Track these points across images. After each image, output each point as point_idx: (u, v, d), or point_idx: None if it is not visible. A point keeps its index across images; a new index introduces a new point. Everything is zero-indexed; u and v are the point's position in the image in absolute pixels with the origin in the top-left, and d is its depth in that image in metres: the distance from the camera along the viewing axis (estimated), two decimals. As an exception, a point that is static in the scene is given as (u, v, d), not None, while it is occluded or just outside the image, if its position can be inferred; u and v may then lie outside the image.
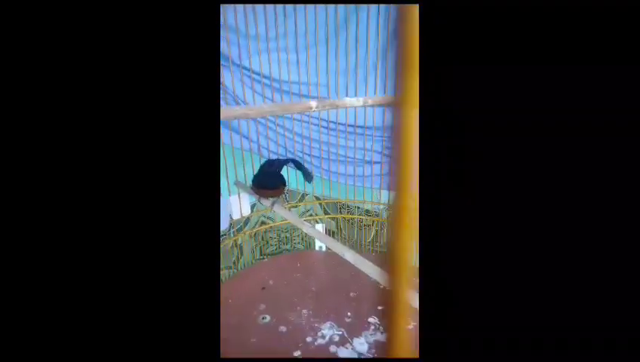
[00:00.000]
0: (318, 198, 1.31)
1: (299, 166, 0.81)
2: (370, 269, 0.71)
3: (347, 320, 0.89)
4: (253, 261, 1.28)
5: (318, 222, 1.29)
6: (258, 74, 1.05)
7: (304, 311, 0.88)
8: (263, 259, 1.26)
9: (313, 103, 0.64)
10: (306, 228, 0.84)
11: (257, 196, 0.90)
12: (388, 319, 0.18)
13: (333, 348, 0.79)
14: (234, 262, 1.27)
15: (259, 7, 0.93)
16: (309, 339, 0.79)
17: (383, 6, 1.02)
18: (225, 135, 1.05)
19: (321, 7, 1.05)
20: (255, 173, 0.88)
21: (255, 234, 1.22)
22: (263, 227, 1.24)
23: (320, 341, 0.79)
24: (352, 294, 1.01)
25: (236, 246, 1.21)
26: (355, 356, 0.81)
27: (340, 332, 0.84)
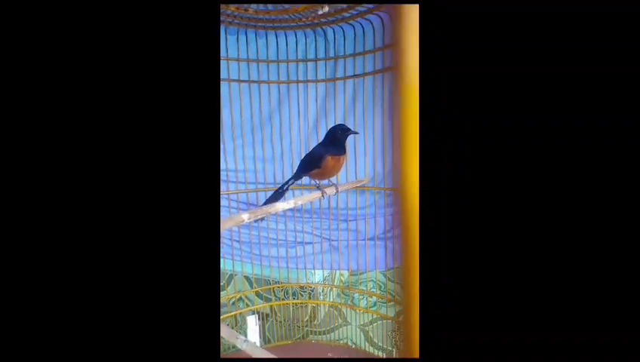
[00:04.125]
0: (247, 278, 1.26)
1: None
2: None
3: None
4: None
5: (251, 314, 1.30)
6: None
7: None
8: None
9: (245, 216, 0.67)
10: (240, 344, 0.88)
11: (323, 176, 0.87)
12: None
13: None
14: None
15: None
16: None
17: (320, 84, 1.14)
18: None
19: (254, 94, 1.09)
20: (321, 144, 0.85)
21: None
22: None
23: None
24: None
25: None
26: None
27: None
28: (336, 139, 0.89)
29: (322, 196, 0.94)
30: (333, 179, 1.02)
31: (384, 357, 1.25)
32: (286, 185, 0.94)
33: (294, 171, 0.98)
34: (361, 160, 1.24)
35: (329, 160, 0.89)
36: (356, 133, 0.90)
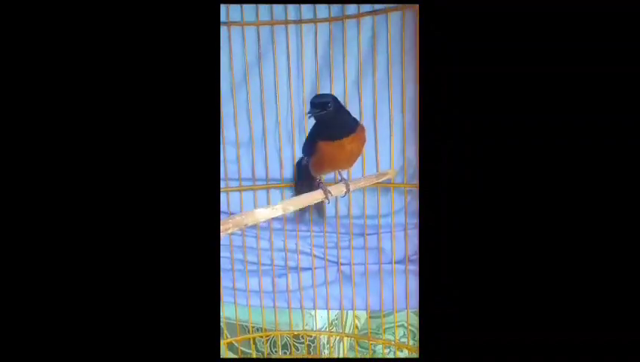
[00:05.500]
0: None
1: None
2: None
3: None
4: None
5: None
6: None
7: None
8: None
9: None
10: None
11: (321, 167, 0.73)
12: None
13: None
14: None
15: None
16: None
17: (321, 25, 0.94)
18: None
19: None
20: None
21: None
22: None
23: None
24: None
25: None
26: None
27: None
28: (328, 117, 0.69)
29: (326, 198, 0.73)
30: (343, 173, 0.82)
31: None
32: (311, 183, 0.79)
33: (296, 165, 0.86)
34: (384, 143, 0.97)
35: (321, 147, 0.70)
36: (322, 109, 0.67)
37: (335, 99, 0.68)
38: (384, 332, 1.12)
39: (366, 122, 1.00)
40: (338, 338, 1.17)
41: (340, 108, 0.68)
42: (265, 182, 1.02)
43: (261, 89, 0.99)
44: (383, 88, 0.92)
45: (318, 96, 0.69)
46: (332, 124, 0.67)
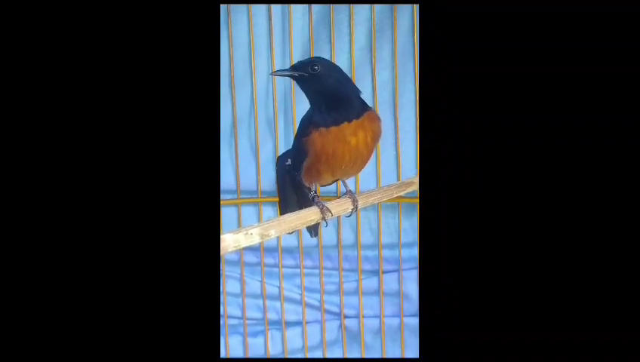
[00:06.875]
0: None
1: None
2: None
3: None
4: None
5: None
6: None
7: None
8: None
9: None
10: None
11: (318, 173, 0.56)
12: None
13: None
14: None
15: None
16: None
17: (317, 7, 0.74)
18: None
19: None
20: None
21: None
22: None
23: None
24: None
25: None
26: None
27: None
28: (330, 93, 0.52)
29: (324, 219, 0.55)
30: (349, 182, 0.62)
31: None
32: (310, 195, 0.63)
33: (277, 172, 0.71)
34: (407, 140, 0.69)
35: (315, 137, 0.52)
36: (302, 71, 0.52)
37: (334, 66, 0.54)
38: (406, 414, 0.99)
39: (382, 109, 0.76)
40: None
41: (340, 80, 0.53)
42: (234, 196, 0.80)
43: (230, 60, 0.75)
44: (404, 79, 0.71)
45: (306, 59, 0.56)
46: (327, 101, 0.51)
